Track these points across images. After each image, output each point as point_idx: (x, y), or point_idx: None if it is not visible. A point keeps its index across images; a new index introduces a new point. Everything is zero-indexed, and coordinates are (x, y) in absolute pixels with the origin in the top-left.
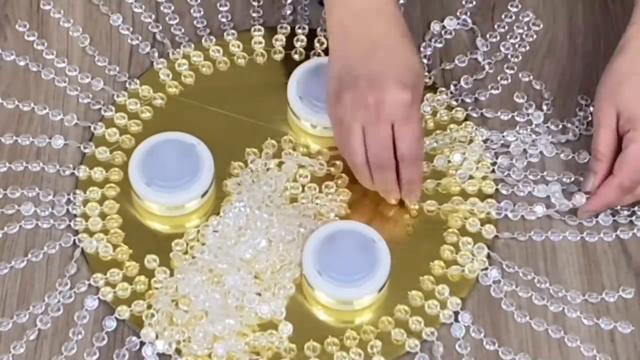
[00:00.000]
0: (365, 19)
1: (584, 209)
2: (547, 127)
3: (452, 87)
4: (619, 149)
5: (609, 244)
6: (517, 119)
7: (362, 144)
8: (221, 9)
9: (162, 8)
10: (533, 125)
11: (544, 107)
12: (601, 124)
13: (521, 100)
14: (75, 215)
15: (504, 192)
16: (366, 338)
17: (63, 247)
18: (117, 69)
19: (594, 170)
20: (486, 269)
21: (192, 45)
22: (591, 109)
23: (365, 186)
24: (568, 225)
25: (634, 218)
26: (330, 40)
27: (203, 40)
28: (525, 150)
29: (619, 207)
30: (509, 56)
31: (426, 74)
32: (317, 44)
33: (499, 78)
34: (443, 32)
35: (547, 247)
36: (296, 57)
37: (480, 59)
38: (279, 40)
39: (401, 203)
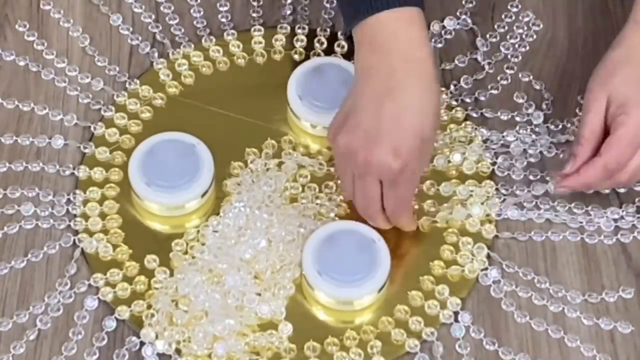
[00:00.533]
0: (388, 63)
1: (561, 184)
2: (547, 127)
3: (452, 87)
4: (603, 138)
5: (609, 245)
6: (517, 119)
7: (352, 188)
8: (221, 9)
9: (162, 8)
10: (533, 125)
11: (544, 107)
12: (590, 109)
13: (521, 100)
14: (75, 215)
15: (503, 191)
16: (366, 338)
17: (63, 247)
18: (117, 69)
19: (575, 153)
20: (486, 269)
21: (192, 45)
22: None
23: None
24: (568, 226)
25: (636, 221)
26: (355, 74)
27: (203, 40)
28: (525, 150)
29: (623, 213)
30: (509, 56)
31: None
32: (317, 44)
33: (499, 78)
34: (443, 32)
35: (547, 247)
36: (296, 57)
37: (480, 59)
38: (279, 40)
39: None
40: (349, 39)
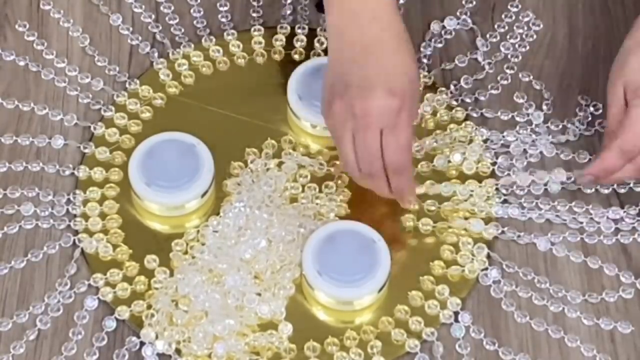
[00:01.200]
0: (359, 23)
1: (584, 173)
2: (547, 127)
3: (452, 87)
4: None
5: (609, 245)
6: (517, 119)
7: (353, 153)
8: (221, 9)
9: (162, 8)
10: (533, 125)
11: (544, 107)
12: (611, 103)
13: (521, 100)
14: (75, 216)
15: (503, 191)
16: (366, 338)
17: (63, 247)
18: (117, 69)
19: (604, 145)
20: (486, 269)
21: (192, 45)
22: (591, 108)
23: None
24: (569, 227)
25: (636, 224)
26: (329, 44)
27: (203, 40)
28: (525, 150)
29: (623, 214)
30: (509, 56)
31: (426, 73)
32: (317, 44)
33: (499, 78)
34: (443, 32)
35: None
36: (296, 57)
37: (480, 59)
38: (279, 40)
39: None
40: (318, 6)
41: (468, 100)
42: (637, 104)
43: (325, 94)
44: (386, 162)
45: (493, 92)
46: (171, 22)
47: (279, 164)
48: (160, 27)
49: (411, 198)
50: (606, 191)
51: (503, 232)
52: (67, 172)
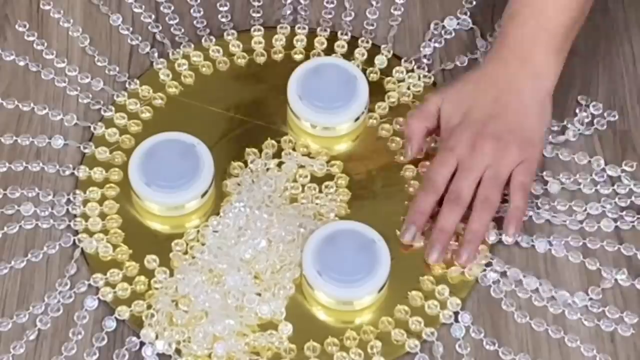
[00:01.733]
0: (517, 76)
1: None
2: (547, 127)
3: None
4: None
5: (609, 245)
6: None
7: (449, 176)
8: (221, 9)
9: (162, 8)
10: None
11: None
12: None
13: None
14: (75, 216)
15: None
16: (366, 338)
17: (63, 247)
18: (117, 69)
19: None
20: (485, 269)
21: (192, 45)
22: (591, 109)
23: (405, 238)
24: (570, 230)
25: (636, 223)
26: (495, 51)
27: (203, 40)
28: None
29: (623, 213)
30: None
31: (426, 73)
32: (317, 44)
33: None
34: (443, 32)
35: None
36: (296, 57)
37: (480, 59)
38: (279, 40)
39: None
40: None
41: None
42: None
43: (452, 108)
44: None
45: None
46: (171, 22)
47: (279, 164)
48: (160, 27)
49: (472, 255)
50: (606, 191)
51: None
52: (67, 172)
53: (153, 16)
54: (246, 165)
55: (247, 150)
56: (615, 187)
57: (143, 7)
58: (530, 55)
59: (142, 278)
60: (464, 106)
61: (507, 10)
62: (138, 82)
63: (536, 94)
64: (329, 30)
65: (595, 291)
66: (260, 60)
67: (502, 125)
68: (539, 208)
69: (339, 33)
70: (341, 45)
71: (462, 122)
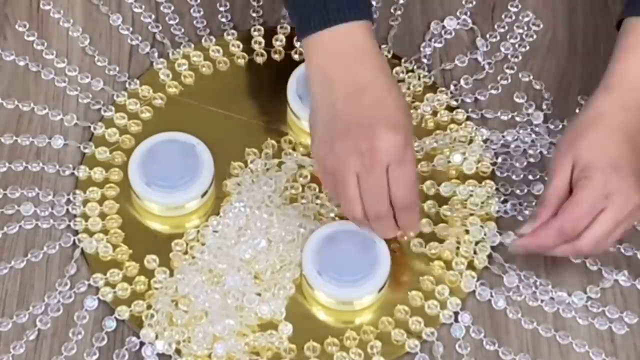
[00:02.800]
0: (347, 64)
1: (516, 243)
2: (547, 127)
3: (452, 87)
4: None
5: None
6: (517, 119)
7: (358, 196)
8: (221, 9)
9: (162, 8)
10: (533, 125)
11: (544, 107)
12: (555, 173)
13: (521, 100)
14: (75, 216)
15: (503, 191)
16: (366, 338)
17: (63, 247)
18: (117, 69)
19: (537, 216)
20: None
21: (192, 45)
22: None
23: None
24: None
25: (636, 223)
26: (312, 85)
27: (203, 40)
28: (525, 151)
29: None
30: (509, 56)
31: (426, 73)
32: None
33: (499, 78)
34: (443, 32)
35: None
36: (296, 57)
37: (480, 59)
38: (279, 40)
39: None
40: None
41: (468, 100)
42: (584, 185)
43: (319, 135)
44: (394, 199)
45: (493, 92)
46: (171, 22)
47: (279, 164)
48: (160, 27)
49: (416, 231)
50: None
51: (500, 234)
52: (67, 172)
53: (153, 16)
54: (246, 165)
55: (247, 150)
56: None
57: (143, 7)
58: None
59: (142, 278)
60: None
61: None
62: (138, 82)
63: None
64: None
65: (595, 291)
66: (260, 60)
67: None
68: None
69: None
70: None
71: None
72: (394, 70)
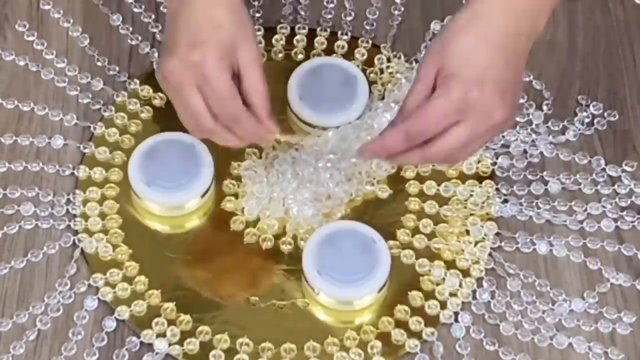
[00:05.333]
0: None
1: (364, 147)
2: (547, 127)
3: None
4: None
5: (609, 245)
6: (517, 119)
7: (204, 105)
8: None
9: (162, 8)
10: (533, 125)
11: (544, 107)
12: (418, 79)
13: (521, 100)
14: (74, 215)
15: (503, 191)
16: (366, 338)
17: (63, 247)
18: (117, 69)
19: (392, 120)
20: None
21: None
22: (591, 109)
23: (230, 145)
24: (570, 230)
25: (636, 223)
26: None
27: None
28: (525, 150)
29: (623, 213)
30: None
31: None
32: (317, 44)
33: None
34: None
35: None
36: (296, 57)
37: None
38: (279, 40)
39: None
40: None
41: None
42: (439, 95)
43: (161, 58)
44: (218, 117)
45: None
46: None
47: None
48: (160, 27)
49: (270, 136)
50: (606, 191)
51: (500, 239)
52: (67, 172)
53: (153, 16)
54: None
55: (247, 150)
56: (615, 187)
57: (143, 7)
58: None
59: (142, 278)
60: None
61: None
62: (138, 82)
63: None
64: (329, 30)
65: (595, 291)
66: None
67: None
68: (539, 208)
69: (339, 33)
70: (341, 45)
71: None
72: (394, 70)
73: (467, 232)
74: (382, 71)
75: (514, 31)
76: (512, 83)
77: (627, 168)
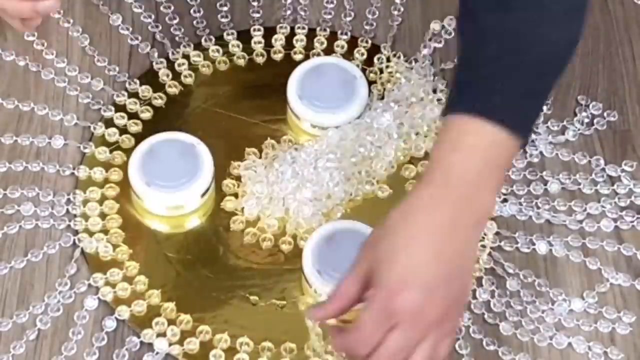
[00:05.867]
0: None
1: (316, 317)
2: (547, 127)
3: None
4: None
5: (608, 245)
6: None
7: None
8: (221, 9)
9: (161, 8)
10: None
11: (544, 107)
12: (350, 275)
13: None
14: (75, 215)
15: (503, 190)
16: None
17: (63, 247)
18: (117, 69)
19: (326, 305)
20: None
21: (192, 45)
22: (591, 109)
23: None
24: (570, 229)
25: (635, 223)
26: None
27: (203, 40)
28: (525, 150)
29: (622, 213)
30: None
31: (426, 73)
32: (317, 44)
33: None
34: (443, 32)
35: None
36: (296, 57)
37: None
38: (279, 40)
39: None
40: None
41: None
42: (366, 307)
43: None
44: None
45: None
46: (171, 22)
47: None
48: (160, 27)
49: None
50: (606, 191)
51: (500, 239)
52: (67, 172)
53: (153, 16)
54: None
55: (247, 150)
56: (615, 187)
57: (143, 7)
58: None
59: (142, 278)
60: None
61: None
62: (138, 82)
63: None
64: (328, 30)
65: (595, 291)
66: (260, 60)
67: None
68: (539, 208)
69: (338, 33)
70: (341, 45)
71: None
72: (394, 70)
73: None
74: (381, 71)
75: (450, 223)
76: (443, 277)
77: (626, 168)
